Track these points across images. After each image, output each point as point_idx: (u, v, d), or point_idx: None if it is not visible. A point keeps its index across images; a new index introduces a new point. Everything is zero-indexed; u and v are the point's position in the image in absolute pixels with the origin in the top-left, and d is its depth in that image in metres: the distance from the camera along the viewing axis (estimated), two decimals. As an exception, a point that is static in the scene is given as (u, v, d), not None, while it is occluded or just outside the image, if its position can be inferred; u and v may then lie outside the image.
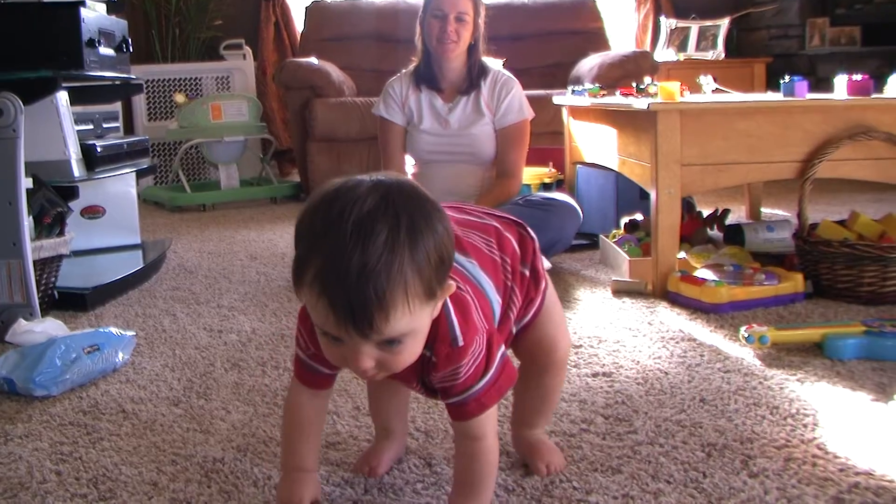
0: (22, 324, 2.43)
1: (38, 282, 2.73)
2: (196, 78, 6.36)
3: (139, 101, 6.23)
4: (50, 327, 2.43)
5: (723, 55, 6.57)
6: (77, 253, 3.25)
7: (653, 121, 2.80)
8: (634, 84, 3.37)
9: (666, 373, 2.11)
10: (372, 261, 1.10)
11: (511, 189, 3.34)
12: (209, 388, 2.10)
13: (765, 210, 4.41)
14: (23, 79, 2.94)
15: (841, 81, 3.08)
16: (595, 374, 2.11)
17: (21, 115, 2.62)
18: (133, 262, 3.42)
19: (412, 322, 1.16)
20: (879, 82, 3.15)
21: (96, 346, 2.22)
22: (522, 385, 1.56)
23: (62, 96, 3.08)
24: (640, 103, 2.90)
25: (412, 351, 1.22)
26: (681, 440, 1.70)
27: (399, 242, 1.11)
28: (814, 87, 3.16)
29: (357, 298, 1.10)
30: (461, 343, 1.27)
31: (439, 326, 1.26)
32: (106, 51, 3.31)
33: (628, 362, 2.20)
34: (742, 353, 2.25)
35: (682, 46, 6.65)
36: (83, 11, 3.11)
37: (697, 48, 6.62)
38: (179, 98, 5.81)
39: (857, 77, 3.04)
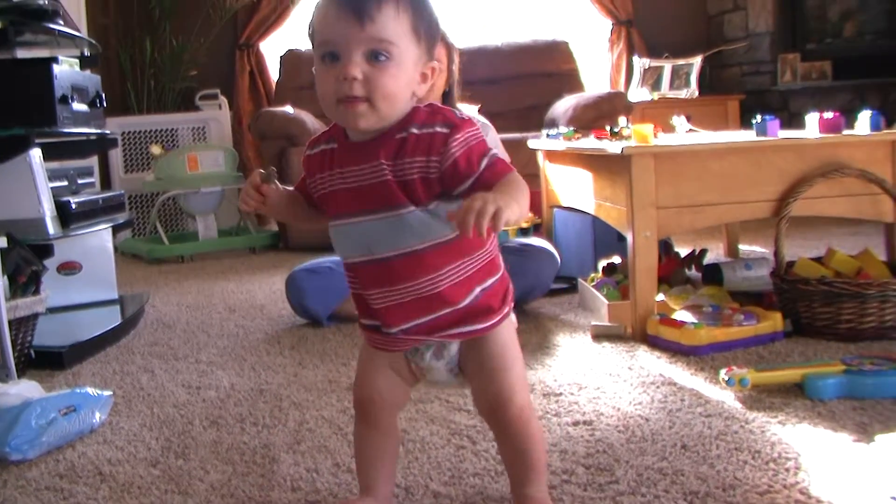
0: (-3, 386, 2.40)
1: (13, 341, 2.70)
2: (172, 129, 6.36)
3: (115, 153, 6.20)
4: (25, 389, 2.39)
5: (696, 93, 6.61)
6: (53, 309, 3.22)
7: (627, 164, 2.81)
8: (608, 127, 3.37)
9: (647, 419, 2.10)
10: None
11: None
12: (187, 448, 2.08)
13: (742, 247, 4.43)
14: (-5, 137, 2.94)
15: (812, 119, 3.10)
16: (576, 423, 2.09)
17: (-7, 175, 2.61)
18: (111, 318, 3.40)
19: (397, 34, 1.38)
20: (851, 115, 3.17)
21: (73, 406, 2.19)
22: (497, 443, 1.64)
23: (35, 154, 3.07)
24: (613, 147, 2.91)
25: (395, 76, 1.39)
26: (663, 489, 1.69)
27: None
28: (787, 123, 3.20)
29: None
30: (465, 117, 1.44)
31: (443, 110, 1.44)
32: (79, 106, 3.30)
33: (609, 409, 2.19)
34: (723, 395, 2.24)
35: (655, 85, 6.69)
36: (55, 68, 3.11)
37: (671, 87, 6.66)
38: (156, 149, 5.80)
39: (828, 115, 3.06)
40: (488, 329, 1.51)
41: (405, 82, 1.41)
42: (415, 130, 1.41)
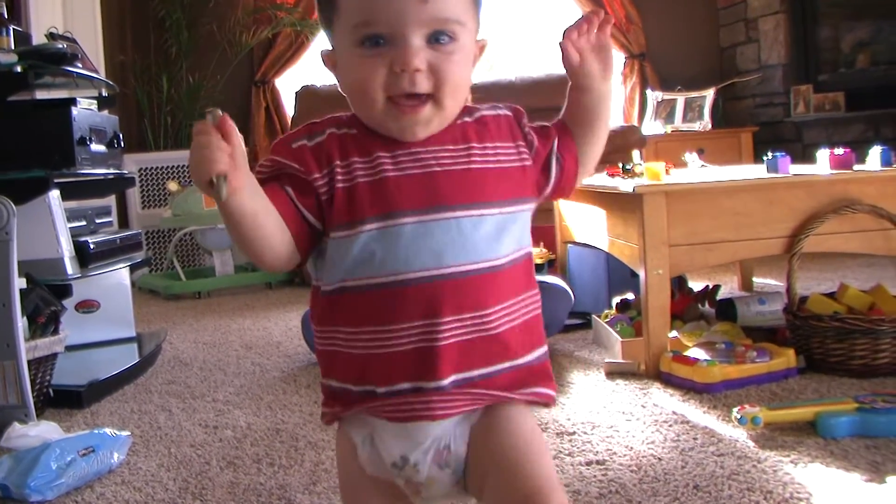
0: (16, 428, 2.43)
1: (32, 381, 2.73)
2: (189, 165, 6.38)
3: (132, 190, 6.25)
4: (45, 430, 2.43)
5: (709, 125, 6.62)
6: (71, 348, 3.24)
7: (639, 203, 2.83)
8: (621, 164, 3.40)
9: (660, 458, 2.11)
10: None
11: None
12: (204, 489, 2.10)
13: (757, 280, 4.44)
14: (15, 179, 2.98)
15: (823, 156, 3.11)
16: (589, 463, 2.10)
17: (14, 217, 2.65)
18: (128, 357, 3.43)
19: (464, 8, 1.14)
20: (864, 147, 3.18)
21: (91, 447, 2.22)
22: None
23: (54, 195, 3.11)
24: (625, 185, 2.93)
25: (460, 62, 1.15)
26: (675, 531, 1.70)
27: None
28: (801, 154, 3.20)
29: None
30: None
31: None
32: (98, 147, 3.35)
33: (622, 448, 2.20)
34: (735, 434, 2.25)
35: (669, 118, 6.71)
36: (74, 110, 3.16)
37: (684, 119, 6.68)
38: (172, 186, 5.85)
39: (839, 151, 3.07)
40: (552, 399, 1.23)
41: (469, 68, 1.18)
42: (486, 112, 1.23)
